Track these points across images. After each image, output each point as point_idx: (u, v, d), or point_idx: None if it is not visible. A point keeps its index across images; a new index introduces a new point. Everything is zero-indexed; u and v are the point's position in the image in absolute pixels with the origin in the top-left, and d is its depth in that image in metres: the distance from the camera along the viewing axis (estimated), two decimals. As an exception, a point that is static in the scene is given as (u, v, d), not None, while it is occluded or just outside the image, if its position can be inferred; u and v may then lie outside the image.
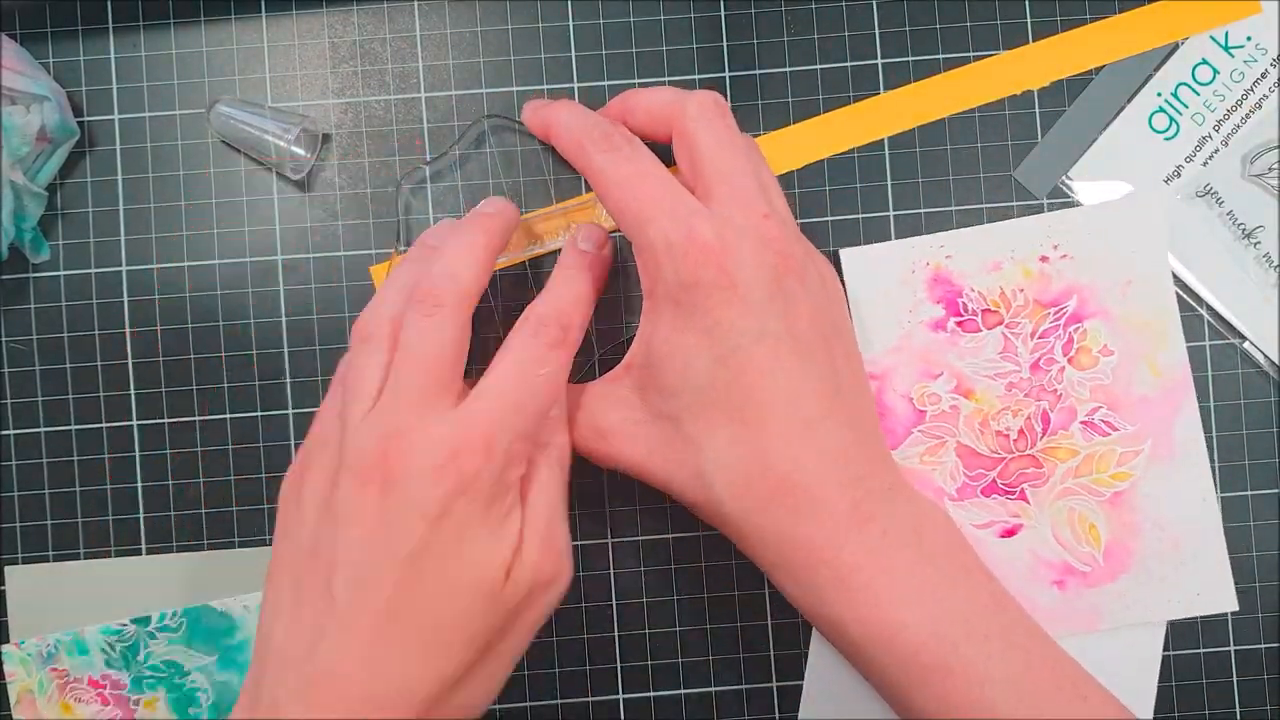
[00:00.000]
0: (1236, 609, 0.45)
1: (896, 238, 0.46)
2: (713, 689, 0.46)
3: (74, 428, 0.46)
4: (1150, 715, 0.44)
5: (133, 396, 0.46)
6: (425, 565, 0.35)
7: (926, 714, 0.36)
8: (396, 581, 0.34)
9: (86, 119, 0.46)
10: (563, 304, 0.39)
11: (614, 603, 0.46)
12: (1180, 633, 0.45)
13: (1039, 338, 0.45)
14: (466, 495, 0.35)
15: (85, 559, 0.45)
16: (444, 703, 0.35)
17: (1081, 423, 0.44)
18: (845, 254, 0.45)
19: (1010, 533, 0.44)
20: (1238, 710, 0.46)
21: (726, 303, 0.36)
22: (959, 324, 0.45)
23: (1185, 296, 0.45)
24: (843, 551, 0.36)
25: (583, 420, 0.41)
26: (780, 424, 0.37)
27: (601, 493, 0.46)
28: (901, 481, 0.39)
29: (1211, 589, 0.44)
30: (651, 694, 0.46)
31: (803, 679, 0.46)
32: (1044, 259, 0.45)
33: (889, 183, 0.46)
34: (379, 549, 0.35)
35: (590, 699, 0.46)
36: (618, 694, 0.46)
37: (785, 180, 0.46)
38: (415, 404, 0.36)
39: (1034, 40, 0.46)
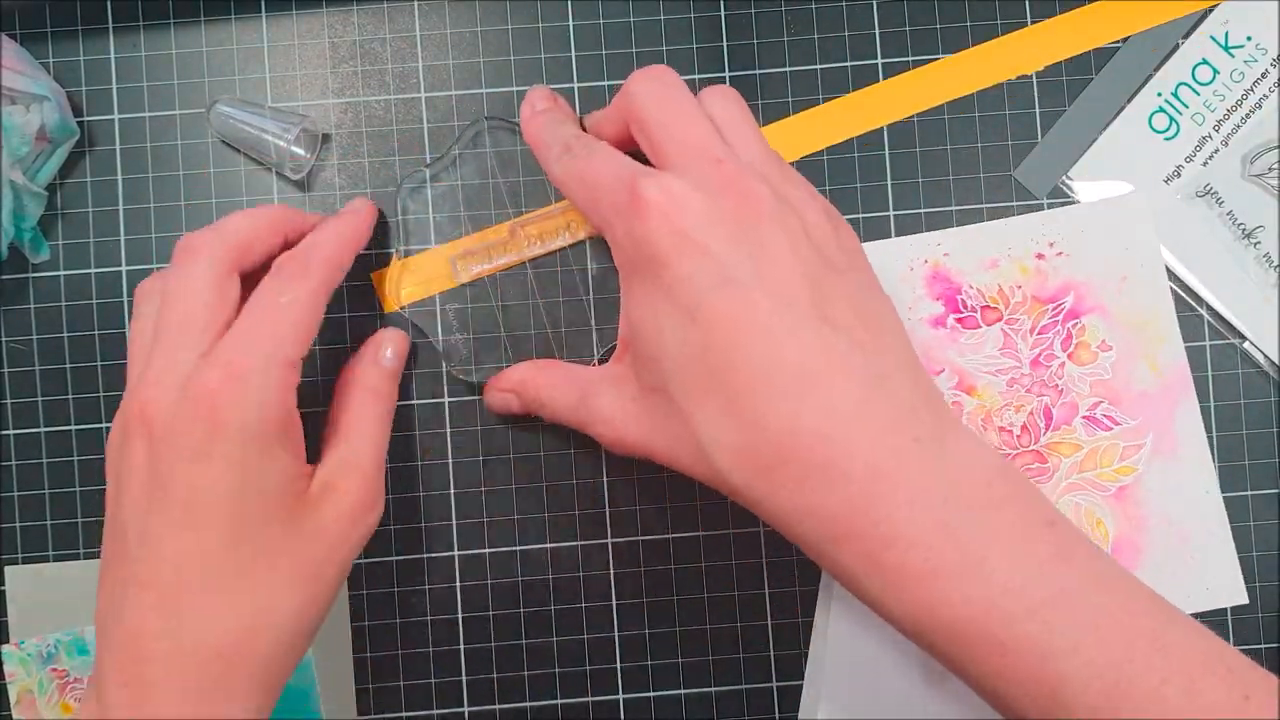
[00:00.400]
0: (1246, 601, 0.45)
1: (896, 237, 0.46)
2: (713, 689, 0.46)
3: (74, 428, 0.46)
4: None
5: (132, 396, 0.46)
6: (204, 508, 0.35)
7: (988, 687, 0.32)
8: (178, 531, 0.35)
9: (86, 119, 0.46)
10: (304, 243, 0.40)
11: (614, 603, 0.46)
12: (1181, 632, 0.45)
13: (1038, 333, 0.45)
14: (228, 431, 0.35)
15: (85, 559, 0.45)
16: (256, 639, 0.35)
17: (1084, 418, 0.44)
18: (845, 252, 0.45)
19: (1015, 529, 0.44)
20: (1238, 710, 0.45)
21: (682, 255, 0.34)
22: (959, 320, 0.45)
23: (1185, 296, 0.45)
24: (865, 523, 0.32)
25: (589, 407, 0.39)
26: (769, 382, 0.33)
27: (601, 492, 0.46)
28: (939, 427, 0.34)
29: (1220, 582, 0.44)
30: (651, 694, 0.46)
31: (803, 679, 0.45)
32: (1040, 256, 0.45)
33: (889, 183, 0.46)
34: (156, 501, 0.35)
35: (590, 699, 0.46)
36: (618, 694, 0.46)
37: (785, 180, 0.46)
38: (171, 348, 0.36)
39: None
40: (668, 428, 0.36)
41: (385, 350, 0.43)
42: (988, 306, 0.45)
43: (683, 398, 0.34)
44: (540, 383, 0.42)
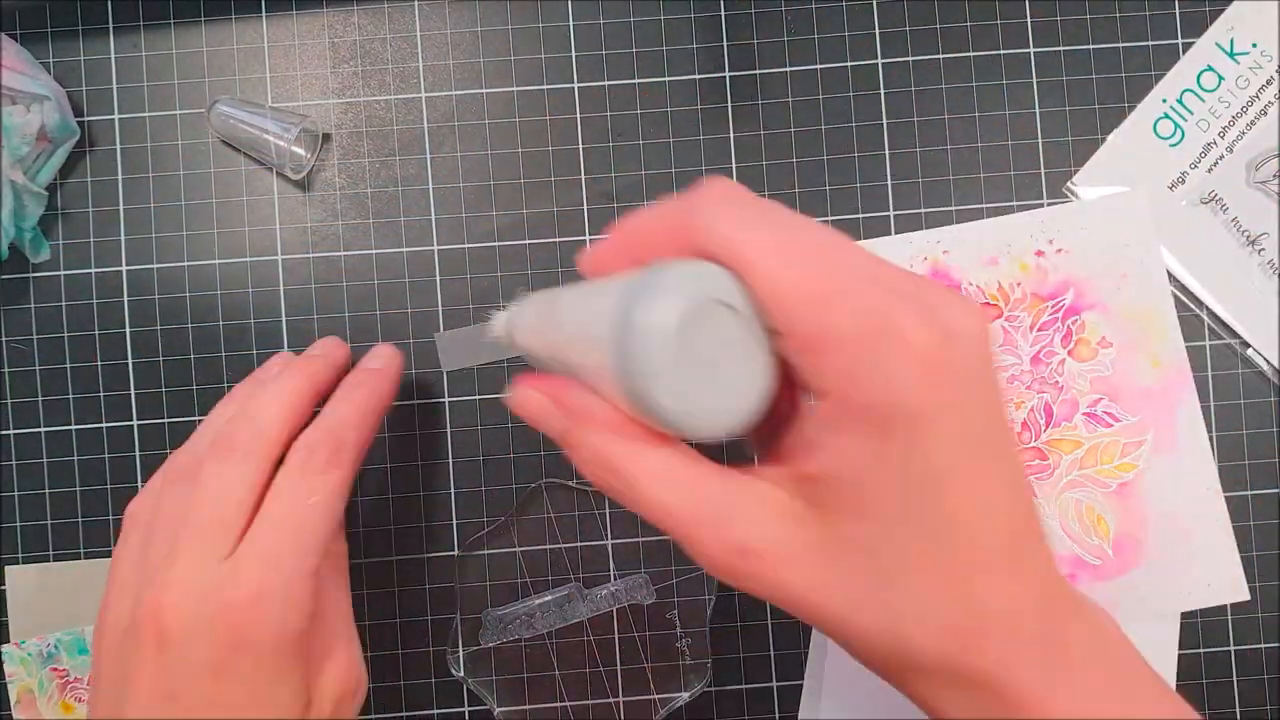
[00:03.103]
0: (1248, 598, 0.44)
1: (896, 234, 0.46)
2: (713, 689, 0.46)
3: (74, 428, 0.46)
4: None
5: (133, 396, 0.46)
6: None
7: None
8: None
9: (86, 119, 0.46)
10: (333, 424, 0.38)
11: (614, 607, 0.46)
12: (1181, 632, 0.45)
13: (1038, 330, 0.45)
14: (244, 650, 0.34)
15: (86, 559, 0.45)
16: None
17: (1084, 414, 0.44)
18: (844, 251, 0.45)
19: (1018, 526, 0.44)
20: (1237, 710, 0.45)
21: (939, 415, 0.28)
22: (959, 318, 0.45)
23: (1187, 301, 0.45)
24: (1042, 700, 0.29)
25: (722, 530, 0.30)
26: (992, 552, 0.29)
27: (601, 495, 0.46)
28: (1070, 588, 0.31)
29: (1222, 580, 0.44)
30: (654, 696, 0.46)
31: (803, 679, 0.46)
32: (1039, 253, 0.45)
33: (889, 183, 0.46)
34: (165, 708, 0.34)
35: (590, 701, 0.46)
36: (618, 695, 0.46)
37: (785, 176, 0.46)
38: (197, 553, 0.35)
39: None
40: (853, 587, 0.30)
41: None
42: (988, 303, 0.45)
43: (896, 564, 0.29)
44: (641, 462, 0.31)
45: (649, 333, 0.27)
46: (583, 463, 0.31)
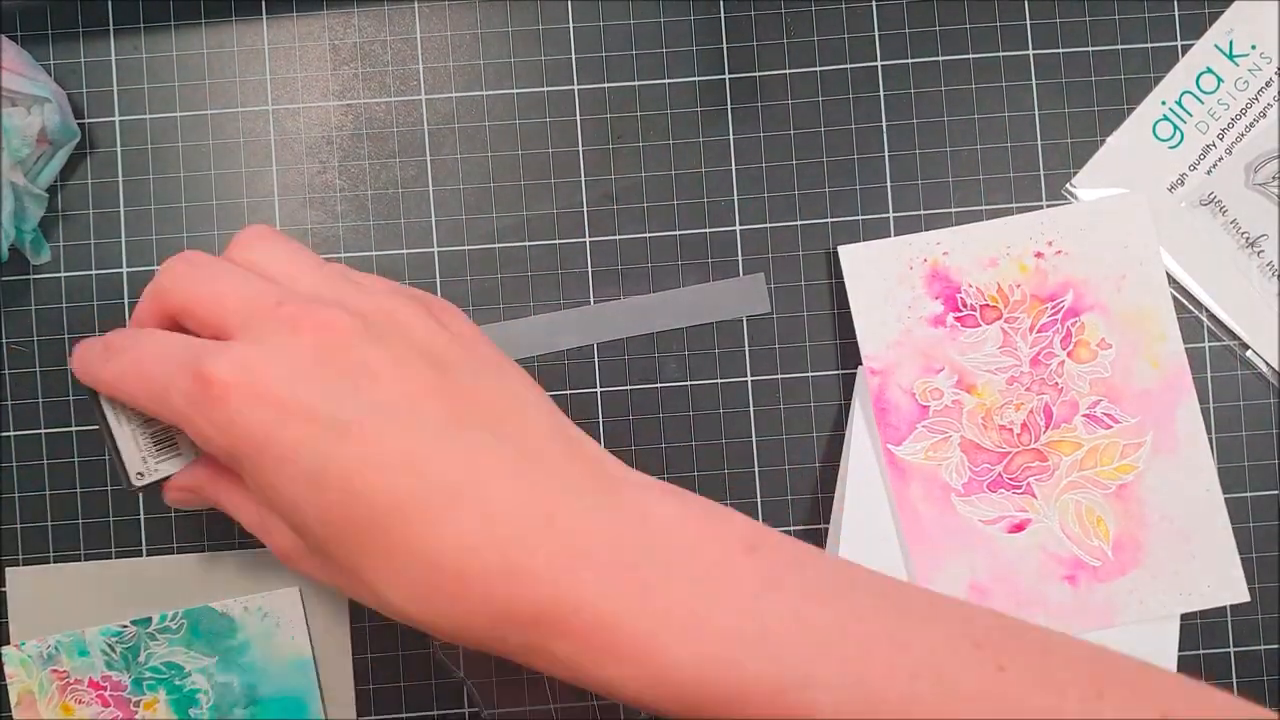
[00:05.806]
0: (1248, 600, 0.44)
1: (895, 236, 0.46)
2: (713, 690, 0.46)
3: (75, 429, 0.46)
4: None
5: (133, 398, 0.46)
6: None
7: None
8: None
9: (87, 121, 0.46)
10: None
11: (614, 604, 0.46)
12: (1181, 633, 0.45)
13: (1038, 332, 0.45)
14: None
15: (86, 560, 0.45)
16: None
17: (1084, 416, 0.44)
18: (843, 250, 0.45)
19: (1019, 527, 0.44)
20: (1238, 711, 0.45)
21: (282, 426, 0.30)
22: (958, 319, 0.45)
23: (1187, 303, 0.45)
24: (566, 615, 0.29)
25: (267, 528, 0.34)
26: (424, 517, 0.30)
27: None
28: (610, 485, 0.31)
29: (1221, 581, 0.44)
30: (652, 695, 0.46)
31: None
32: (1039, 255, 0.45)
33: (889, 184, 0.46)
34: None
35: (590, 701, 0.46)
36: (618, 695, 0.46)
37: (785, 178, 0.46)
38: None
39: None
40: (349, 585, 0.32)
41: None
42: (987, 305, 0.45)
43: (348, 560, 0.31)
44: (222, 496, 0.36)
45: None
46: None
